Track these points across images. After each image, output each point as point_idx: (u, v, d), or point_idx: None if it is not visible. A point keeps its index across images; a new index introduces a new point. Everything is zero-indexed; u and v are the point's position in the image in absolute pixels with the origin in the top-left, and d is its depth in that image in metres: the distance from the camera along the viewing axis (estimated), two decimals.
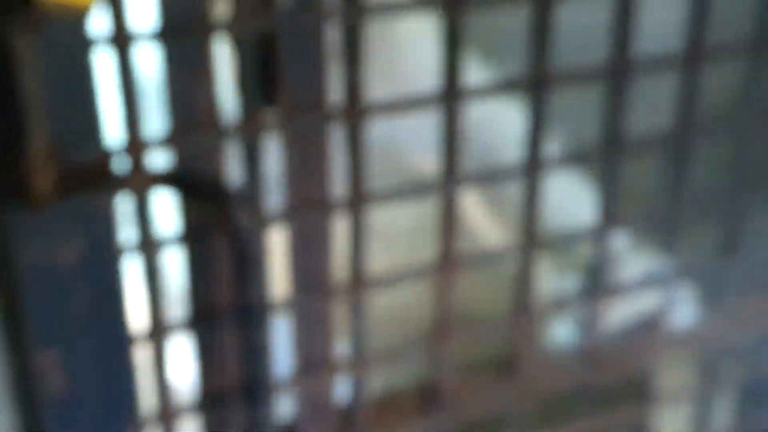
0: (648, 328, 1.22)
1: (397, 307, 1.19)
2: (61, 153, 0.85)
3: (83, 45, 0.82)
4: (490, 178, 1.06)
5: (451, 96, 0.99)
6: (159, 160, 0.95)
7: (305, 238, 1.03)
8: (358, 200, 1.01)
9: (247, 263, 0.98)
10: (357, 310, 1.07)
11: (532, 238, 1.10)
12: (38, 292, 0.91)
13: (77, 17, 0.81)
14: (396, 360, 1.10)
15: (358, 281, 1.05)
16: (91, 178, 0.89)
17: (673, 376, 1.30)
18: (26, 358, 0.94)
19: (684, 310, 1.25)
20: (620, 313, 1.20)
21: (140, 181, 0.91)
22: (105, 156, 0.88)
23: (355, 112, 0.97)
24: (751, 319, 1.27)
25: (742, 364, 1.32)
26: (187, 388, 1.07)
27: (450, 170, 1.03)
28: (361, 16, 0.93)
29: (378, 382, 1.15)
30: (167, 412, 1.03)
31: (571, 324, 1.21)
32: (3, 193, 0.85)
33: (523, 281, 1.12)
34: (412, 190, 1.04)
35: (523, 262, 1.11)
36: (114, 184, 0.90)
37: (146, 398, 1.02)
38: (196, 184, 0.96)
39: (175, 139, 0.92)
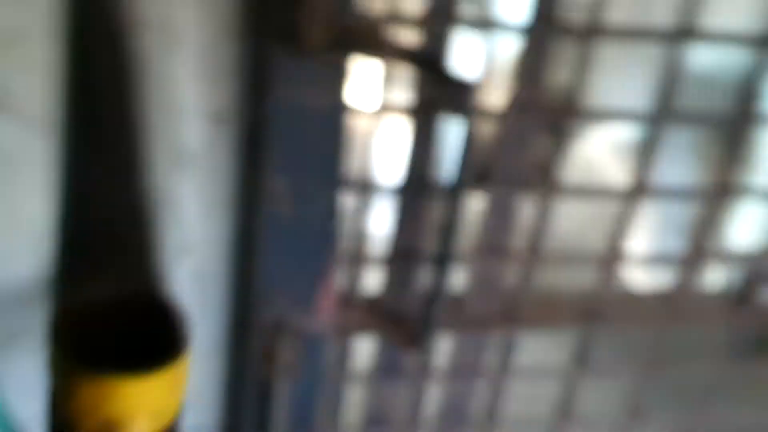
0: None
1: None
2: (334, 14, 0.99)
3: None
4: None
5: None
6: (409, 36, 1.09)
7: (516, 138, 1.15)
8: (573, 111, 1.13)
9: (467, 143, 1.10)
10: (544, 213, 1.19)
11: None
12: (284, 127, 1.06)
13: None
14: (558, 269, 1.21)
15: (552, 185, 1.17)
16: (352, 40, 1.03)
17: None
18: (262, 181, 1.10)
19: None
20: None
21: (388, 52, 1.05)
22: (366, 24, 1.02)
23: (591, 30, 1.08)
24: None
25: None
26: (383, 242, 1.22)
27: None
28: None
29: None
30: (361, 256, 1.18)
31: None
32: (280, 39, 1.00)
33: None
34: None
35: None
36: (369, 50, 1.04)
37: (347, 241, 1.17)
38: (435, 65, 1.09)
39: (427, 21, 1.06)
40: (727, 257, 1.32)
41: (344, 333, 1.23)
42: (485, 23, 1.07)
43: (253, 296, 1.15)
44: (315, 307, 1.16)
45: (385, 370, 1.28)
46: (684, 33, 1.09)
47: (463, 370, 1.30)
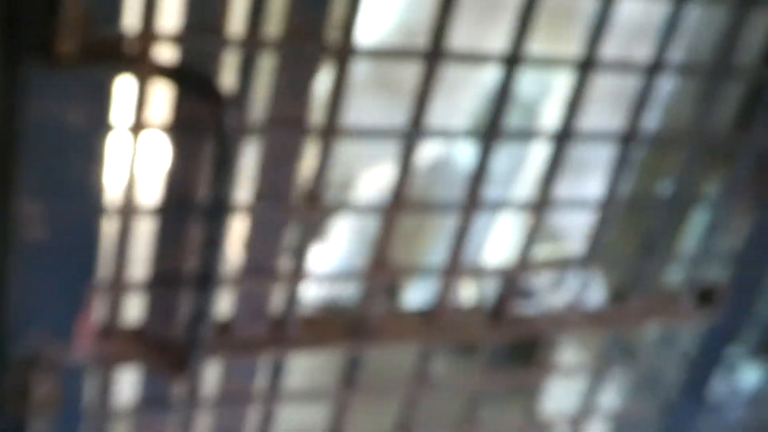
0: (559, 303, 1.38)
1: None
2: (87, 25, 0.96)
3: None
4: None
5: None
6: (166, 53, 1.07)
7: (276, 153, 1.16)
8: (330, 130, 1.15)
9: (226, 162, 1.09)
10: (308, 228, 1.20)
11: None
12: (37, 145, 1.01)
13: None
14: (330, 284, 1.22)
15: (315, 200, 1.18)
16: (107, 53, 1.00)
17: (571, 352, 1.46)
18: (11, 205, 1.04)
19: (594, 295, 1.42)
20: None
21: (146, 68, 1.03)
22: (121, 37, 0.99)
23: (345, 49, 1.11)
24: (653, 313, 1.45)
25: (637, 354, 1.50)
26: (145, 265, 1.17)
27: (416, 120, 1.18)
28: None
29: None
30: (120, 284, 1.14)
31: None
32: (31, 50, 0.95)
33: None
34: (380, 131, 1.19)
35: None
36: (125, 64, 1.02)
37: (105, 268, 1.12)
38: (194, 81, 1.08)
39: (184, 37, 1.05)
40: (482, 271, 1.38)
41: (106, 364, 1.17)
42: (248, 40, 1.08)
43: (4, 329, 1.08)
44: (73, 338, 1.10)
45: (151, 401, 1.23)
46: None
47: (232, 397, 1.27)
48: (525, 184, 2.16)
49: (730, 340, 1.55)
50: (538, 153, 2.14)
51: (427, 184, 2.05)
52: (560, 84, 2.06)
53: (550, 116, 2.15)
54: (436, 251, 2.10)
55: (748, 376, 1.61)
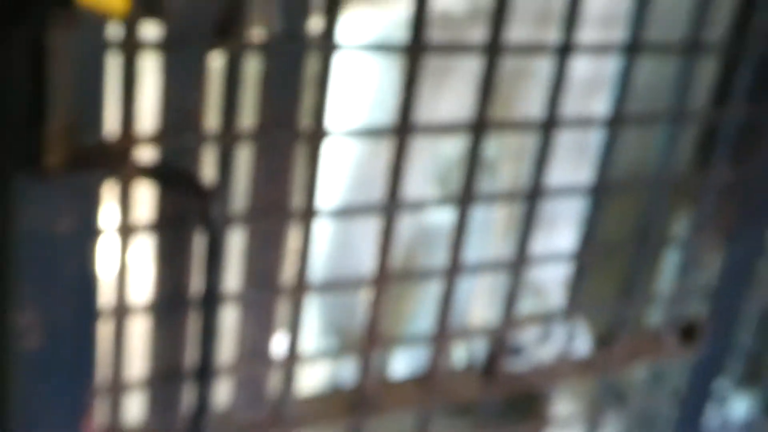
0: (548, 355, 1.41)
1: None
2: (72, 136, 0.99)
3: (99, 47, 0.98)
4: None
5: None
6: (147, 153, 1.11)
7: (262, 239, 1.19)
8: (309, 213, 1.18)
9: (215, 255, 1.12)
10: (297, 310, 1.22)
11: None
12: (31, 255, 1.03)
13: (109, 18, 0.98)
14: (326, 361, 1.24)
15: (302, 284, 1.21)
16: (92, 160, 1.03)
17: (566, 402, 1.48)
18: (9, 315, 1.05)
19: (581, 343, 1.45)
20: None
21: (130, 170, 1.06)
22: (104, 144, 1.03)
23: (317, 134, 1.15)
24: (639, 354, 1.48)
25: (629, 396, 1.53)
26: (142, 361, 1.19)
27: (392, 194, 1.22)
28: (334, 49, 1.13)
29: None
30: (119, 385, 1.15)
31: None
32: (18, 163, 0.98)
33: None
34: (359, 208, 1.22)
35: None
36: (109, 168, 1.05)
37: (103, 369, 1.14)
38: (177, 178, 1.11)
39: (163, 136, 1.09)
40: (470, 333, 1.41)
41: None
42: (224, 134, 1.11)
43: None
44: None
45: None
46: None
47: None
48: (493, 241, 2.21)
49: (717, 373, 1.58)
50: (500, 210, 2.20)
51: (411, 250, 2.08)
52: (513, 142, 2.11)
53: (508, 173, 2.21)
54: (421, 314, 2.13)
55: (737, 407, 1.64)
